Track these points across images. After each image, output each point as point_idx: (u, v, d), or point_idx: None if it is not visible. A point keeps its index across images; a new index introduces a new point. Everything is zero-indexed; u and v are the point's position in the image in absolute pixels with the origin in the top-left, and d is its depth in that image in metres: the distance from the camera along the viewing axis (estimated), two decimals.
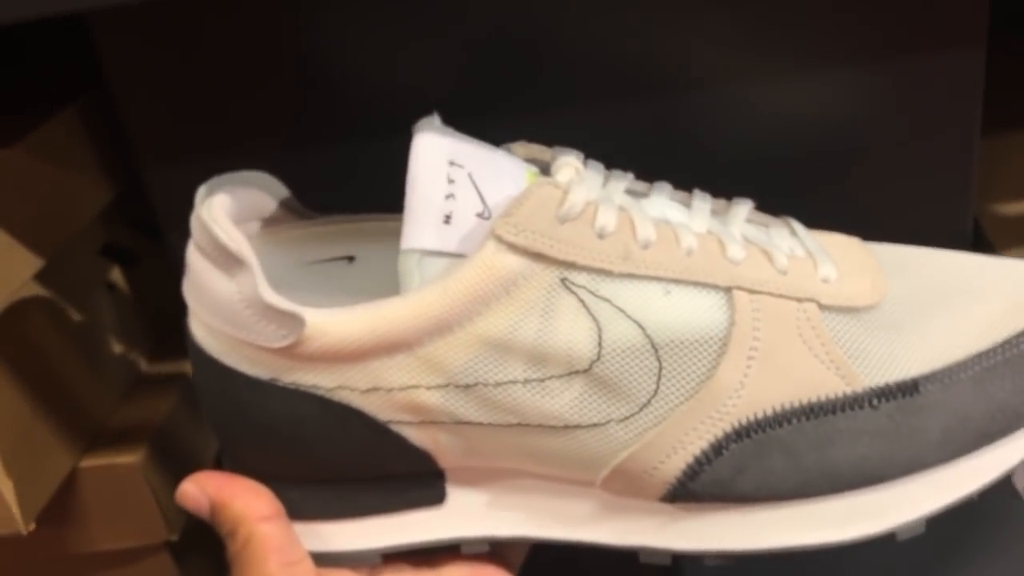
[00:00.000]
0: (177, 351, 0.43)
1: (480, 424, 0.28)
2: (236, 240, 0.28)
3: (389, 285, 0.30)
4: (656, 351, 0.28)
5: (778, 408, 0.28)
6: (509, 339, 0.28)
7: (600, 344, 0.28)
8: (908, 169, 0.40)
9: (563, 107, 0.38)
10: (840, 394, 0.28)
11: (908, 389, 0.28)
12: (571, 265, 0.28)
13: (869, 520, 0.29)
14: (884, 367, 0.28)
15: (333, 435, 0.29)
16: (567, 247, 0.27)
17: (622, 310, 0.28)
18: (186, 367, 0.44)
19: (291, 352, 0.28)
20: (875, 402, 0.28)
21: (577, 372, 0.28)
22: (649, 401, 0.28)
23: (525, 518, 0.31)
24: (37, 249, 0.36)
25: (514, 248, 0.27)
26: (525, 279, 0.27)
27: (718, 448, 0.28)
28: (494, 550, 0.31)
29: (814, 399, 0.28)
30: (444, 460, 0.30)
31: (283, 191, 0.33)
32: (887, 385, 0.28)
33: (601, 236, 0.28)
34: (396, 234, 0.32)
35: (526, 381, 0.28)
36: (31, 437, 0.36)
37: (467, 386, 0.28)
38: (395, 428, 0.29)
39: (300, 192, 0.33)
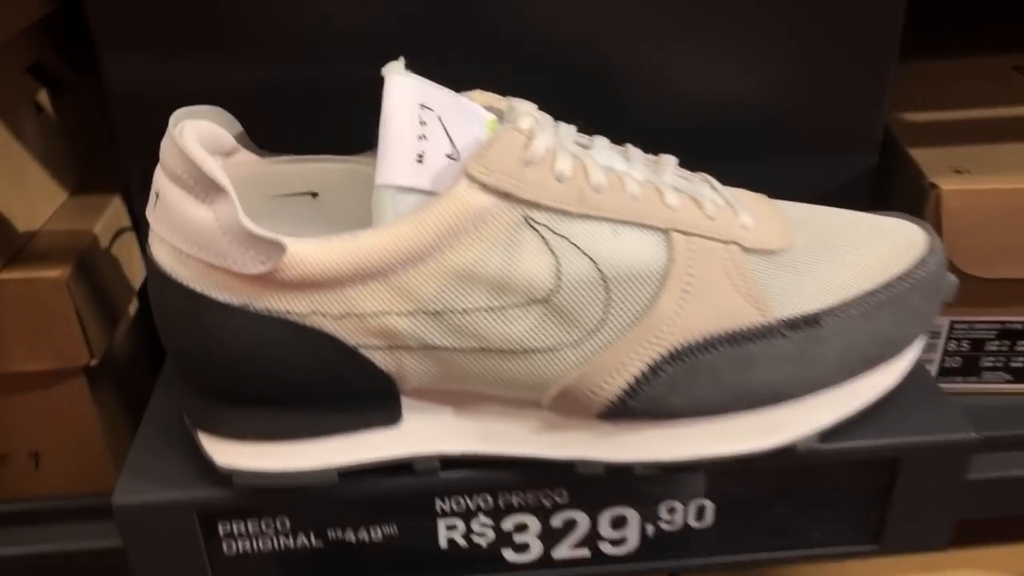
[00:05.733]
0: (102, 186, 0.46)
1: (445, 348, 0.31)
2: (214, 169, 0.29)
3: (353, 220, 0.32)
4: (606, 284, 0.31)
5: (706, 336, 0.32)
6: (476, 270, 0.30)
7: (558, 276, 0.31)
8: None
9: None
10: (757, 324, 0.32)
11: (811, 321, 0.33)
12: (534, 205, 0.30)
13: (776, 433, 0.34)
14: (792, 302, 0.33)
15: (303, 358, 0.31)
16: (531, 188, 0.30)
17: (578, 247, 0.31)
18: (110, 202, 0.45)
19: (266, 279, 0.30)
20: (785, 332, 0.33)
21: (536, 301, 0.31)
22: (597, 328, 0.31)
23: (474, 436, 0.34)
24: None
25: (484, 187, 0.30)
26: (493, 216, 0.30)
27: (655, 370, 0.32)
28: None
29: (736, 328, 0.32)
30: (407, 383, 0.32)
31: (238, 127, 0.34)
32: (794, 317, 0.33)
33: (560, 180, 0.31)
34: (360, 172, 0.34)
35: (489, 309, 0.31)
36: None
37: (435, 312, 0.30)
38: (364, 352, 0.31)
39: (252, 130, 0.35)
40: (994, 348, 0.47)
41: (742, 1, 0.41)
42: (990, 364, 0.47)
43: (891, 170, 0.46)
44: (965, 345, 0.47)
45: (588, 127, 0.35)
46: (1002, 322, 0.46)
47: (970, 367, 0.47)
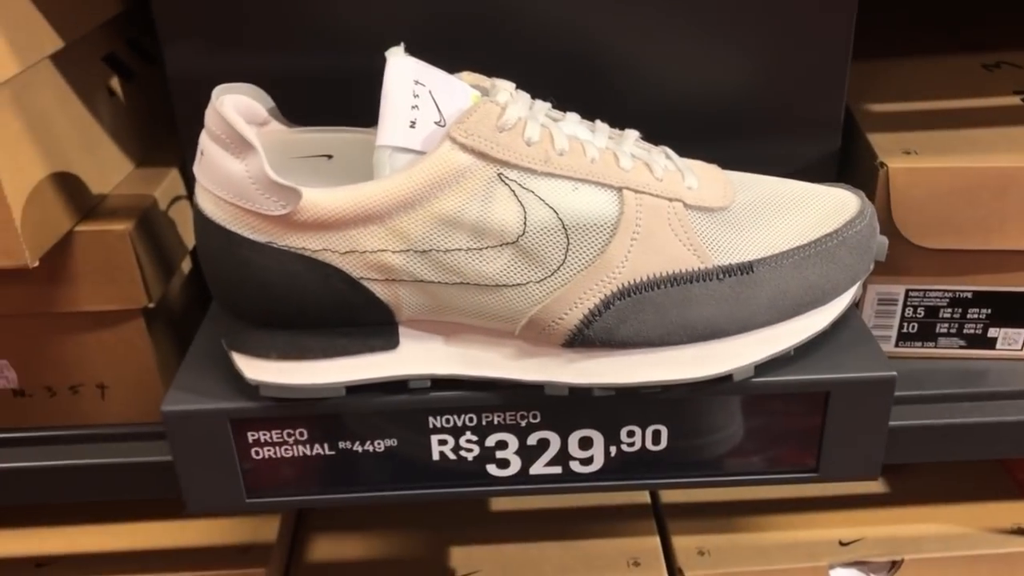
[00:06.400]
0: (163, 160, 0.54)
1: (432, 282, 0.37)
2: (246, 130, 0.36)
3: (361, 176, 0.39)
4: (566, 231, 0.37)
5: (651, 276, 0.38)
6: (457, 216, 0.37)
7: (525, 223, 0.37)
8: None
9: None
10: (695, 269, 0.38)
11: (745, 268, 0.39)
12: (506, 163, 0.37)
13: (714, 364, 0.39)
14: (728, 252, 0.39)
15: (316, 287, 0.38)
16: (503, 150, 0.37)
17: (542, 199, 0.37)
18: (169, 173, 0.53)
19: (286, 220, 0.36)
20: (720, 276, 0.38)
21: (507, 244, 0.37)
22: (558, 268, 0.37)
23: (460, 361, 0.40)
24: (59, 30, 0.44)
25: (464, 148, 0.36)
26: (471, 172, 0.36)
27: (607, 304, 0.38)
28: None
29: (677, 271, 0.38)
30: (402, 313, 0.39)
31: (271, 102, 0.41)
32: (730, 265, 0.39)
33: (528, 144, 0.37)
34: (367, 140, 0.41)
35: (468, 249, 0.37)
36: (39, 192, 0.43)
37: (424, 251, 0.37)
38: (365, 283, 0.38)
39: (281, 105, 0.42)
40: (947, 315, 0.52)
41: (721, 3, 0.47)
42: (944, 330, 0.52)
43: (852, 152, 0.51)
44: (921, 312, 0.52)
45: (562, 105, 0.41)
46: (953, 291, 0.51)
47: (926, 333, 0.52)
